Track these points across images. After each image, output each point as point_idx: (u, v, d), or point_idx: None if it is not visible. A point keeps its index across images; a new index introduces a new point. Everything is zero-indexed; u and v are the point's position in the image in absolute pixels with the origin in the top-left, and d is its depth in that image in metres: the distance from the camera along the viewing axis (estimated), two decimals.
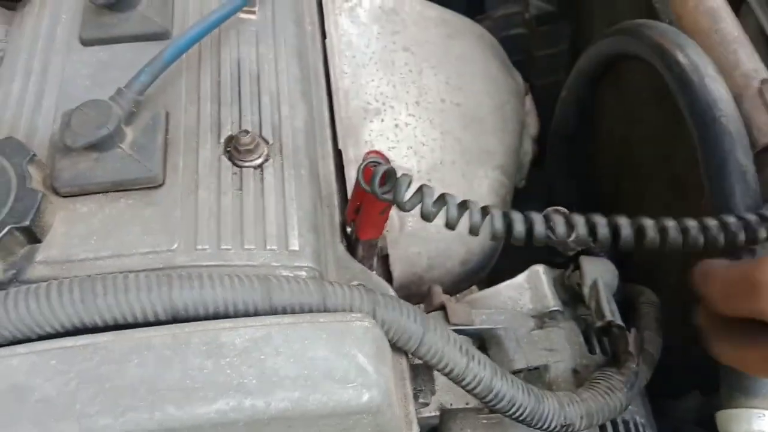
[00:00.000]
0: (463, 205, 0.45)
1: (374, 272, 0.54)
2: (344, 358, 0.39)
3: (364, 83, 0.76)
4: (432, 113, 0.76)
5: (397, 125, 0.74)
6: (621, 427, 0.59)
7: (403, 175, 0.44)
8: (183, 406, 0.36)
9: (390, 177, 0.44)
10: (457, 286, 0.73)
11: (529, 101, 0.94)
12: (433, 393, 0.51)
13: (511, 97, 0.84)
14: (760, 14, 0.60)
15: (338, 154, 0.65)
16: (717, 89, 0.54)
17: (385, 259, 0.66)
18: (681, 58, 0.57)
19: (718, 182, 0.52)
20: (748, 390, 0.47)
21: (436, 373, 0.52)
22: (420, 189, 0.44)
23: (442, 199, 0.45)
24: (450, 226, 0.45)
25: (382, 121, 0.74)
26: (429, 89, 0.78)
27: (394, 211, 0.71)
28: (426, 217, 0.44)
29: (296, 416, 0.38)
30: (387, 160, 0.46)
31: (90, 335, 0.39)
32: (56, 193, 0.45)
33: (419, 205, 0.44)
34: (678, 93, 0.57)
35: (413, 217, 0.71)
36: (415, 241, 0.69)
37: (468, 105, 0.79)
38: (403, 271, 0.69)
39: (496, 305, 0.65)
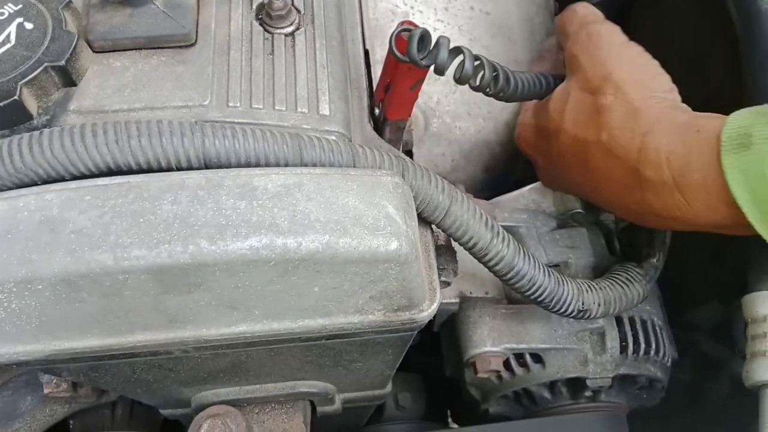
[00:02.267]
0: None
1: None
2: (374, 207, 0.39)
3: None
4: (461, 20, 0.75)
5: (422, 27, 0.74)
6: (638, 325, 0.59)
7: (441, 36, 0.44)
8: (216, 241, 0.37)
9: (426, 40, 0.44)
10: (480, 194, 0.73)
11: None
12: (455, 273, 0.52)
13: (540, 10, 0.82)
14: None
15: (366, 54, 0.64)
16: None
17: (410, 156, 0.66)
18: None
19: (763, 76, 0.51)
20: None
21: (458, 258, 0.52)
22: (458, 48, 0.44)
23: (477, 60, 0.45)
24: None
25: None
26: None
27: (419, 111, 0.71)
28: (465, 76, 0.44)
29: (326, 259, 0.38)
30: (418, 27, 0.46)
31: (124, 176, 0.39)
32: (90, 47, 0.44)
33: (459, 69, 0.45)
34: None
35: (438, 119, 0.70)
36: (439, 141, 0.69)
37: (497, 14, 0.77)
38: None
39: (520, 207, 0.65)
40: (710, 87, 0.66)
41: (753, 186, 0.39)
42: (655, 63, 0.52)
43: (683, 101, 0.50)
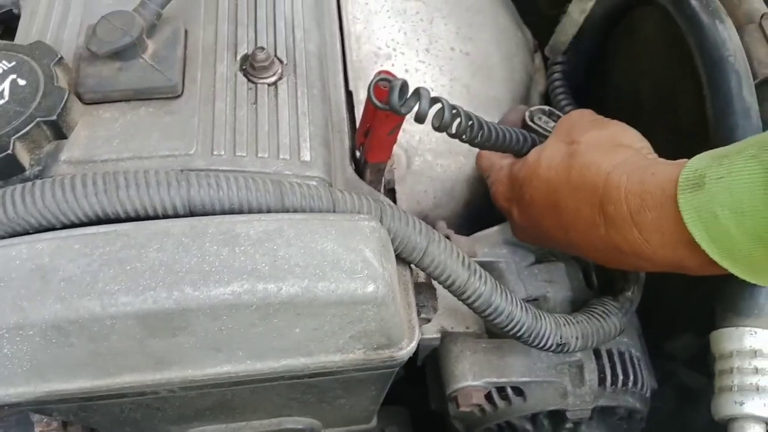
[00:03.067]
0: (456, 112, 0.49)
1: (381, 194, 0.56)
2: (352, 251, 0.41)
3: (376, 29, 0.77)
4: (441, 60, 0.78)
5: (407, 70, 0.76)
6: (616, 357, 0.61)
7: (421, 87, 0.46)
8: (200, 287, 0.38)
9: (405, 90, 0.46)
10: (462, 230, 0.75)
11: (538, 58, 0.95)
12: (435, 310, 0.53)
13: (519, 49, 0.85)
14: None
15: (349, 95, 0.67)
16: (726, 30, 0.56)
17: (392, 194, 0.68)
18: (692, 0, 0.58)
19: (724, 119, 0.53)
20: (741, 310, 0.49)
21: (438, 295, 0.54)
22: (436, 98, 0.47)
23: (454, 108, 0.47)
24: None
25: (393, 65, 0.76)
26: (439, 37, 0.79)
27: (401, 150, 0.73)
28: (444, 125, 0.47)
29: (305, 302, 0.40)
30: (396, 78, 0.48)
31: (111, 225, 0.41)
32: (80, 99, 0.47)
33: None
34: (688, 33, 0.59)
35: (420, 156, 0.73)
36: (421, 179, 0.71)
37: (477, 54, 0.80)
38: (409, 208, 0.71)
39: (500, 242, 0.67)
40: (680, 122, 0.69)
41: (706, 224, 0.41)
42: (625, 125, 0.55)
43: (659, 131, 0.53)
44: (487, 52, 0.81)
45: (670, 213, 0.43)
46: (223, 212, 0.42)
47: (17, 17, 0.64)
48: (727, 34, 0.55)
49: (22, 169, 0.42)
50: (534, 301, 0.62)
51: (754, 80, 0.53)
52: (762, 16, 0.55)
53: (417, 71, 0.76)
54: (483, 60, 0.80)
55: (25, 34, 0.53)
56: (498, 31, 0.84)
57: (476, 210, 0.74)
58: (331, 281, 0.40)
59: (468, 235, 0.77)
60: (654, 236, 0.45)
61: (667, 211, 0.43)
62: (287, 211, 0.44)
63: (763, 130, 0.52)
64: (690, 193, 0.42)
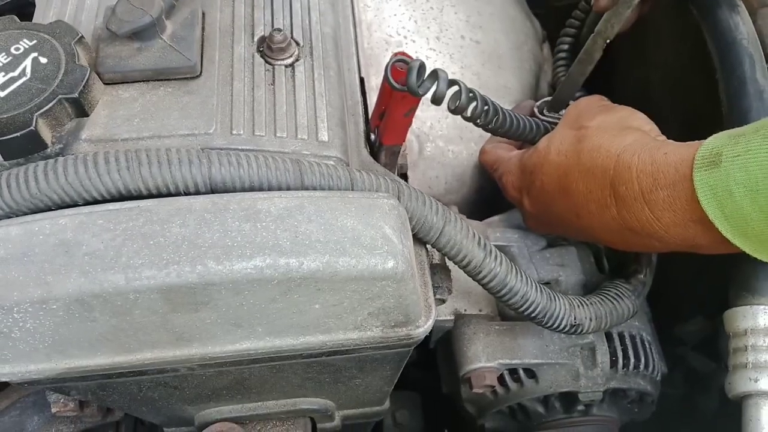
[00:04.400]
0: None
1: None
2: (372, 228, 0.41)
3: (387, 17, 0.78)
4: (452, 48, 0.79)
5: (417, 58, 0.76)
6: (628, 340, 0.61)
7: (439, 69, 0.47)
8: (222, 261, 0.39)
9: (422, 71, 0.46)
10: (473, 215, 0.76)
11: (546, 49, 0.95)
12: (450, 291, 0.54)
13: (528, 39, 0.86)
14: None
15: (361, 82, 0.67)
16: (738, 15, 0.57)
17: (404, 179, 0.68)
18: None
19: (737, 102, 0.54)
20: (755, 289, 0.50)
21: (453, 277, 0.55)
22: (454, 80, 0.47)
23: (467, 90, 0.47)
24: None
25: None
26: (449, 26, 0.80)
27: (413, 136, 0.73)
28: (461, 107, 0.47)
29: (326, 278, 0.40)
30: (413, 59, 0.49)
31: (134, 201, 0.41)
32: (101, 79, 0.47)
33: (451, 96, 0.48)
34: (701, 19, 0.59)
35: (431, 143, 0.73)
36: (433, 165, 0.72)
37: (487, 42, 0.81)
38: None
39: (512, 226, 0.67)
40: (690, 113, 0.69)
41: (721, 201, 0.41)
42: (632, 109, 0.56)
43: (668, 121, 0.53)
44: (496, 40, 0.82)
45: (684, 191, 0.44)
46: (244, 190, 0.43)
47: (30, 4, 0.64)
48: (739, 18, 0.56)
49: (45, 146, 0.42)
50: (546, 285, 0.62)
51: (767, 63, 0.54)
52: None
53: (428, 59, 0.77)
54: (493, 49, 0.81)
55: (42, 16, 0.53)
56: (508, 21, 0.85)
57: (487, 195, 0.75)
58: (352, 257, 0.40)
59: (479, 220, 0.77)
60: (666, 214, 0.45)
61: (680, 190, 0.44)
62: (306, 189, 0.44)
63: None
64: (706, 170, 0.42)
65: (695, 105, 0.68)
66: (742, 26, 0.54)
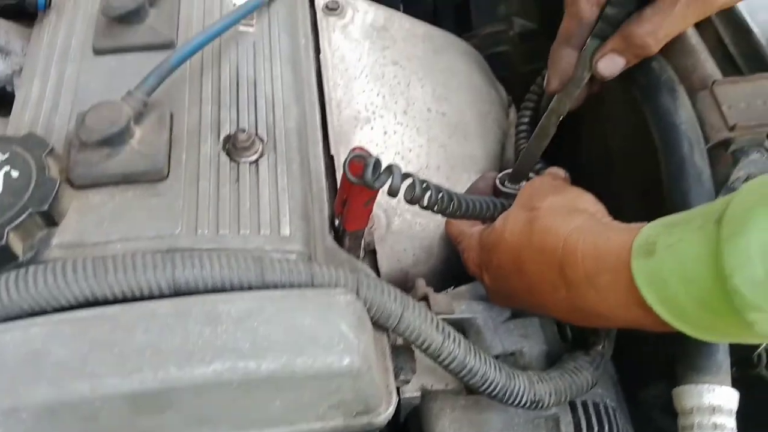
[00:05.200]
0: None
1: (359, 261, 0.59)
2: (329, 325, 0.43)
3: (356, 94, 0.81)
4: (419, 122, 0.82)
5: (385, 132, 0.80)
6: (591, 409, 0.63)
7: (393, 165, 0.50)
8: (183, 366, 0.41)
9: (378, 166, 0.49)
10: (440, 285, 0.78)
11: (513, 113, 0.99)
12: (413, 372, 0.56)
13: (493, 107, 0.89)
14: (718, 24, 0.65)
15: (330, 159, 0.70)
16: (678, 99, 0.60)
17: (373, 254, 0.70)
18: (646, 70, 0.62)
19: (677, 183, 0.56)
20: (699, 368, 0.52)
21: (417, 356, 0.56)
22: (407, 174, 0.50)
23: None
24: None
25: (372, 128, 0.79)
26: (416, 99, 0.83)
27: (380, 211, 0.76)
28: (415, 198, 0.51)
29: (284, 377, 0.42)
30: (370, 154, 0.51)
31: (100, 308, 0.43)
32: (71, 184, 0.49)
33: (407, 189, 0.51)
34: (643, 101, 0.62)
35: (399, 216, 0.75)
36: (401, 239, 0.74)
37: (452, 114, 0.84)
38: (390, 267, 0.73)
39: (476, 298, 0.69)
40: (647, 176, 0.72)
41: (657, 289, 0.44)
42: (581, 190, 0.59)
43: (628, 185, 0.55)
44: (461, 111, 0.85)
45: (624, 276, 0.46)
46: (207, 290, 0.45)
47: (10, 94, 0.67)
48: (679, 102, 0.59)
49: (16, 258, 0.45)
50: (511, 356, 0.64)
51: (706, 144, 0.57)
52: (713, 83, 0.58)
53: (395, 133, 0.80)
54: (459, 119, 0.84)
55: (18, 119, 0.56)
56: (473, 91, 0.88)
57: (454, 266, 0.77)
58: (309, 356, 0.42)
59: (447, 288, 0.79)
60: (610, 297, 0.48)
61: (621, 275, 0.46)
62: (268, 286, 0.46)
63: (716, 193, 0.55)
64: (642, 259, 0.45)
65: (649, 171, 0.71)
66: (681, 110, 0.57)
